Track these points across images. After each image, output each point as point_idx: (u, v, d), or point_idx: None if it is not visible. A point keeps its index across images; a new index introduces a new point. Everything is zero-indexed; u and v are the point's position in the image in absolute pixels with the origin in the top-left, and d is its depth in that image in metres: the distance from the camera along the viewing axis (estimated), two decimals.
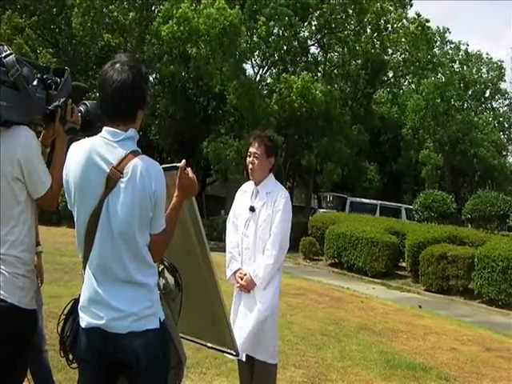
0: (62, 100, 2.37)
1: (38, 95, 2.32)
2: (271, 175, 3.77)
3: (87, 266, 2.12)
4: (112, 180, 2.04)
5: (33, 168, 2.28)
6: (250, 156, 3.69)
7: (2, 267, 2.25)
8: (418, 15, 25.90)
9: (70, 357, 2.28)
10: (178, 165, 2.26)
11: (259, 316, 3.56)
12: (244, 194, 3.80)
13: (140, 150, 2.13)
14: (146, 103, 2.19)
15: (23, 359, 2.42)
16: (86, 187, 2.07)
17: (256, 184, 3.74)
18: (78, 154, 2.11)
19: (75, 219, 2.12)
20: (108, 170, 2.04)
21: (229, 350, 3.01)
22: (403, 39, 26.11)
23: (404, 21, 25.97)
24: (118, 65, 2.12)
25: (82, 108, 2.48)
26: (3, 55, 2.22)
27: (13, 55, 2.24)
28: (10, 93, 2.22)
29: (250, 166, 3.68)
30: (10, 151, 2.24)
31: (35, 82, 2.33)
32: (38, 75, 2.35)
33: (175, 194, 2.25)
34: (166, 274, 2.43)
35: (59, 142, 2.43)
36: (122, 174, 2.04)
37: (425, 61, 26.57)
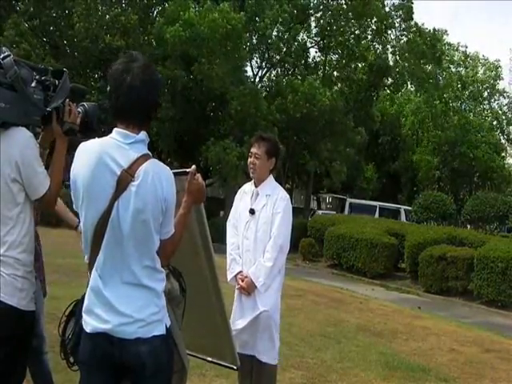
0: (60, 101, 2.37)
1: (37, 97, 2.32)
2: (271, 177, 3.78)
3: (94, 269, 2.08)
4: (123, 183, 2.00)
5: (31, 169, 2.28)
6: (251, 156, 3.70)
7: (1, 269, 2.25)
8: (435, 30, 25.82)
9: (71, 359, 2.25)
10: (187, 170, 2.27)
11: (261, 317, 3.57)
12: (244, 196, 3.80)
13: (150, 154, 2.10)
14: (157, 107, 2.20)
15: (22, 361, 2.42)
16: (95, 189, 2.02)
17: (256, 185, 3.74)
18: (87, 154, 2.06)
19: (82, 221, 2.08)
20: (119, 173, 2.01)
21: (229, 364, 3.00)
22: (407, 54, 26.05)
23: (415, 37, 25.87)
24: (134, 64, 2.06)
25: (80, 109, 2.48)
26: (1, 56, 2.22)
27: (11, 57, 2.24)
28: (8, 94, 2.22)
29: (251, 166, 3.69)
30: (8, 153, 2.24)
31: (33, 84, 2.32)
32: (37, 77, 2.35)
33: (184, 198, 2.24)
34: (172, 278, 2.40)
35: (59, 143, 2.43)
36: (133, 177, 2.01)
37: (430, 72, 26.58)
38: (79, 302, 2.20)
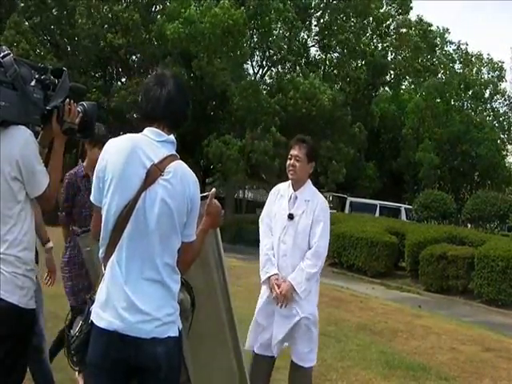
0: (59, 100, 2.37)
1: (36, 95, 2.32)
2: (309, 181, 3.74)
3: (113, 262, 2.05)
4: (152, 176, 2.04)
5: (31, 168, 2.29)
6: (290, 159, 3.65)
7: (2, 267, 2.25)
8: (421, 20, 25.94)
9: (75, 358, 2.21)
10: (205, 194, 2.33)
11: (301, 324, 3.56)
12: (280, 198, 3.73)
13: (178, 156, 2.15)
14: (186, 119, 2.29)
15: (22, 359, 2.41)
16: (124, 179, 2.04)
17: (294, 189, 3.69)
18: (119, 147, 2.10)
19: (104, 212, 2.08)
20: (148, 166, 2.05)
21: None
22: (405, 45, 26.16)
23: (408, 28, 26.03)
24: (163, 77, 2.19)
25: (79, 109, 2.48)
26: (1, 55, 2.22)
27: (11, 55, 2.24)
28: (8, 93, 2.22)
29: (291, 168, 3.64)
30: (8, 151, 2.24)
31: (33, 83, 2.33)
32: (36, 76, 2.35)
33: (203, 219, 2.29)
34: (183, 290, 2.34)
35: (57, 142, 2.44)
36: (162, 172, 2.05)
37: (426, 65, 26.69)
38: (87, 300, 2.20)
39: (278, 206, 3.72)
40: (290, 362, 3.72)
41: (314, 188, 3.77)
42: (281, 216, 3.66)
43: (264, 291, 3.69)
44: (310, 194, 3.67)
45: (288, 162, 3.67)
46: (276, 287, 3.53)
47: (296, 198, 3.66)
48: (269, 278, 3.59)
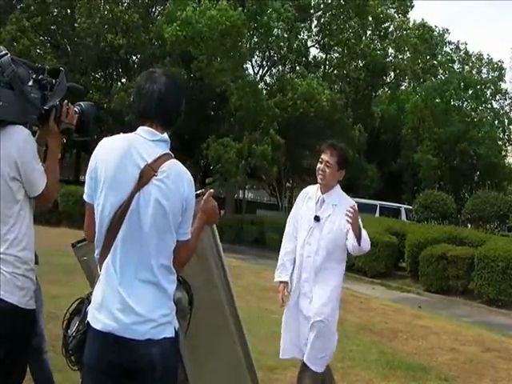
0: (57, 100, 2.38)
1: (34, 95, 2.32)
2: (338, 186, 3.77)
3: (108, 264, 2.04)
4: (145, 176, 2.02)
5: (29, 167, 2.29)
6: (321, 163, 3.66)
7: (2, 267, 2.25)
8: (423, 25, 25.97)
9: (72, 358, 2.21)
10: (199, 192, 2.32)
11: (315, 326, 3.59)
12: (308, 200, 3.77)
13: (173, 155, 2.13)
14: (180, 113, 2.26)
15: (22, 359, 2.41)
16: (118, 179, 2.03)
17: (322, 192, 3.71)
18: (113, 147, 2.08)
19: (98, 212, 2.05)
20: (142, 166, 2.03)
21: None
22: (405, 47, 26.22)
23: (407, 30, 26.11)
24: (155, 74, 2.17)
25: (76, 109, 2.49)
26: None
27: (8, 55, 2.25)
28: (5, 92, 2.22)
29: (321, 172, 3.65)
30: (7, 151, 2.24)
31: (30, 83, 2.33)
32: (34, 76, 2.35)
33: (198, 216, 2.26)
34: (181, 288, 2.33)
35: (54, 142, 2.44)
36: (155, 172, 2.03)
37: (426, 66, 26.74)
38: (84, 300, 2.19)
39: (305, 207, 3.76)
40: (301, 361, 3.73)
41: (343, 192, 3.79)
42: (307, 217, 3.70)
43: (290, 298, 3.73)
44: (337, 199, 3.71)
45: (318, 165, 3.69)
46: (281, 294, 3.67)
47: (323, 201, 3.69)
48: (279, 282, 3.71)
